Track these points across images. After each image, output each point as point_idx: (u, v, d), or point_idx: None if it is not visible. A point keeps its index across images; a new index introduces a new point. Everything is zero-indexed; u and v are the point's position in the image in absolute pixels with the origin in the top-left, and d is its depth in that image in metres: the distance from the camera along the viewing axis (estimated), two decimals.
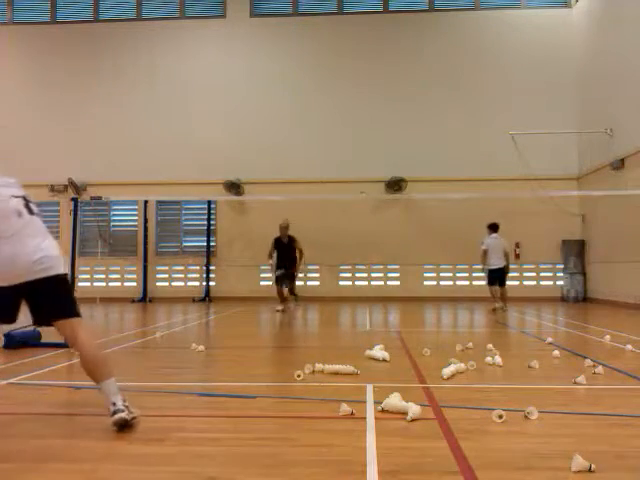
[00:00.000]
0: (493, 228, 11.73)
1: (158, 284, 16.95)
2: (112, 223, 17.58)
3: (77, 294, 7.02)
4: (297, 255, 12.01)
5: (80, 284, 14.90)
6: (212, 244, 16.87)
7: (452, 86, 16.60)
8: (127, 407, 3.21)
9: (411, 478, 2.57)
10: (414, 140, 16.46)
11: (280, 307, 12.07)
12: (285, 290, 12.18)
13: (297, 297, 13.03)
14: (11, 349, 6.34)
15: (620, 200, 13.01)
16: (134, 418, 3.20)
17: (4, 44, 17.89)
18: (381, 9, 17.31)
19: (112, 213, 17.63)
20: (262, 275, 16.14)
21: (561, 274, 16.08)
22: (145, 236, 16.85)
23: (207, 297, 16.30)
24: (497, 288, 12.06)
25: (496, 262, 11.54)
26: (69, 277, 6.92)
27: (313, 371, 4.91)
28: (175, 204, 17.54)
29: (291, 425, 3.40)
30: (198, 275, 16.97)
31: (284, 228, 12.00)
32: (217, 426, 3.41)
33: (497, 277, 11.88)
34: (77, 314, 3.39)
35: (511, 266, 15.96)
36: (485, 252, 11.50)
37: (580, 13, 16.25)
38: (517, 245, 16.21)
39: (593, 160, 15.08)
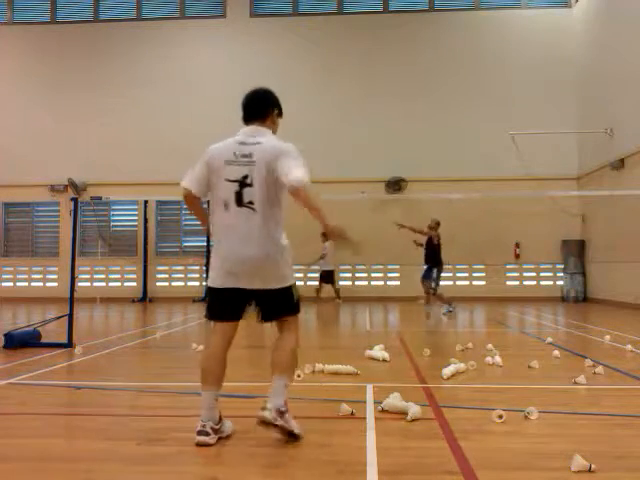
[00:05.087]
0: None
1: (158, 284, 16.94)
2: (112, 223, 17.57)
3: (77, 294, 7.07)
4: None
5: (80, 284, 14.88)
6: (212, 244, 16.83)
7: (452, 86, 16.59)
8: (279, 412, 2.99)
9: (411, 478, 2.57)
10: (414, 140, 16.45)
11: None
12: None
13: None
14: (11, 349, 6.34)
15: (620, 200, 13.00)
16: (276, 422, 2.99)
17: (4, 44, 17.88)
18: (381, 9, 17.30)
19: (112, 213, 17.63)
20: None
21: (561, 274, 16.08)
22: (145, 236, 16.84)
23: (207, 297, 16.27)
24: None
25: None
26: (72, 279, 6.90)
27: (313, 371, 4.91)
28: (175, 204, 17.52)
29: None
30: (198, 275, 16.97)
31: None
32: None
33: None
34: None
35: (511, 266, 16.26)
36: (324, 255, 13.98)
37: (580, 13, 16.25)
38: (517, 245, 16.22)
39: (593, 160, 15.08)
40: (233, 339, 3.21)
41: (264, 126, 3.26)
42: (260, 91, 3.40)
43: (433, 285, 11.28)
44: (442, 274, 11.52)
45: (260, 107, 3.32)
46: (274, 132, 3.30)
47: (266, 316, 3.24)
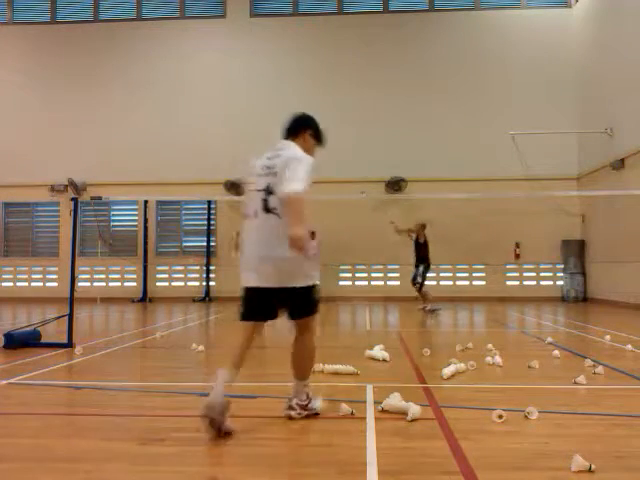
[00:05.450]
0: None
1: (158, 284, 16.94)
2: (112, 223, 17.57)
3: (77, 294, 7.07)
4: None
5: (80, 284, 14.90)
6: (212, 244, 16.87)
7: (452, 86, 16.59)
8: (301, 406, 3.51)
9: (411, 478, 2.57)
10: (414, 140, 16.45)
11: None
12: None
13: None
14: (11, 349, 6.34)
15: (620, 200, 13.01)
16: (300, 415, 3.50)
17: (4, 44, 17.89)
18: (381, 9, 17.30)
19: (112, 213, 17.63)
20: None
21: (561, 274, 16.08)
22: (145, 236, 16.84)
23: (207, 297, 16.30)
24: None
25: None
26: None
27: (313, 371, 4.90)
28: (175, 204, 17.54)
29: (291, 425, 3.41)
30: (198, 275, 16.97)
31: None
32: None
33: None
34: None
35: (511, 266, 16.27)
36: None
37: (580, 13, 16.25)
38: (517, 245, 16.22)
39: (593, 160, 15.08)
40: (253, 339, 3.46)
41: (294, 142, 3.56)
42: (299, 113, 3.72)
43: (419, 280, 11.99)
44: (429, 273, 12.28)
45: (293, 125, 3.64)
46: (305, 151, 3.53)
47: (290, 315, 3.51)
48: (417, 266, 12.08)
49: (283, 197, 3.21)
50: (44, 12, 18.05)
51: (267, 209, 3.36)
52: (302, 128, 3.62)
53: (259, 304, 3.43)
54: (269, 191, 3.36)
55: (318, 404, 3.60)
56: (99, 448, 3.00)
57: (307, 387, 3.59)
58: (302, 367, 3.56)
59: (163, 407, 3.87)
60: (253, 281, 3.40)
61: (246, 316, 3.45)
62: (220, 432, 3.09)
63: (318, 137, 3.69)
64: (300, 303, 3.45)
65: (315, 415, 3.55)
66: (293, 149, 3.46)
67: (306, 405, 3.53)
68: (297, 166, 3.27)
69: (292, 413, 3.50)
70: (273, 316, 3.50)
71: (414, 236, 12.25)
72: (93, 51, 17.58)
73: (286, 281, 3.35)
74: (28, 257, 17.44)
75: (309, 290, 3.43)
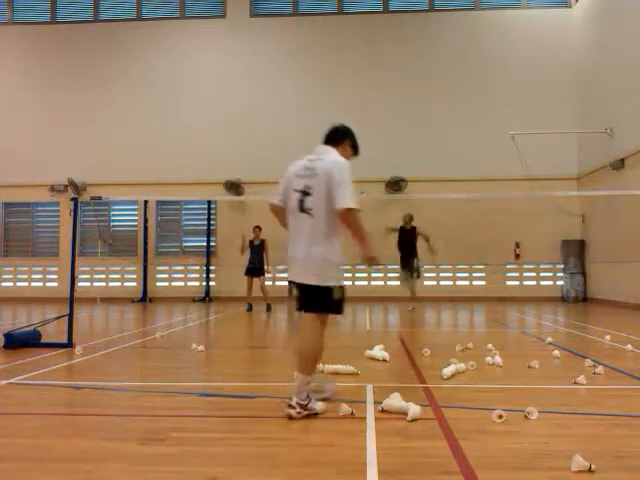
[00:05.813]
0: None
1: (158, 284, 16.94)
2: (112, 223, 17.57)
3: (77, 294, 7.07)
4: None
5: (80, 284, 14.90)
6: (212, 244, 16.87)
7: (452, 86, 16.59)
8: (300, 405, 3.51)
9: (411, 478, 2.57)
10: (414, 140, 16.44)
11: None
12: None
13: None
14: (11, 349, 6.34)
15: (620, 200, 13.01)
16: (299, 414, 3.50)
17: (4, 44, 17.89)
18: (381, 9, 17.30)
19: (112, 213, 17.62)
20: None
21: (561, 274, 16.08)
22: (145, 236, 16.84)
23: (207, 297, 16.30)
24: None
25: None
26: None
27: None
28: (175, 204, 17.54)
29: (291, 425, 3.41)
30: (198, 275, 16.97)
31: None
32: (217, 426, 3.41)
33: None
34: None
35: (511, 266, 16.28)
36: None
37: (580, 13, 16.25)
38: (517, 245, 16.21)
39: (593, 160, 15.08)
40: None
41: (334, 148, 3.91)
42: (340, 124, 4.16)
43: (415, 275, 12.29)
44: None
45: (336, 134, 4.04)
46: (344, 157, 3.89)
47: (303, 307, 3.72)
48: (408, 259, 12.25)
49: (340, 211, 3.56)
50: (44, 12, 18.05)
51: (302, 209, 3.65)
52: (343, 138, 4.03)
53: (298, 295, 3.75)
54: (306, 192, 3.65)
55: (318, 405, 3.62)
56: (99, 448, 3.00)
57: (308, 385, 3.60)
58: (304, 360, 3.60)
59: (163, 407, 3.87)
60: (290, 275, 3.76)
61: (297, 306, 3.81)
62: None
63: (355, 147, 4.10)
64: (310, 298, 3.63)
65: (315, 415, 3.54)
66: (333, 154, 3.81)
67: (306, 405, 3.54)
68: (342, 175, 3.63)
69: (292, 412, 3.50)
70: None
71: (399, 227, 12.45)
72: (93, 51, 17.58)
73: (307, 278, 3.60)
74: (28, 257, 17.45)
75: (323, 290, 3.58)
